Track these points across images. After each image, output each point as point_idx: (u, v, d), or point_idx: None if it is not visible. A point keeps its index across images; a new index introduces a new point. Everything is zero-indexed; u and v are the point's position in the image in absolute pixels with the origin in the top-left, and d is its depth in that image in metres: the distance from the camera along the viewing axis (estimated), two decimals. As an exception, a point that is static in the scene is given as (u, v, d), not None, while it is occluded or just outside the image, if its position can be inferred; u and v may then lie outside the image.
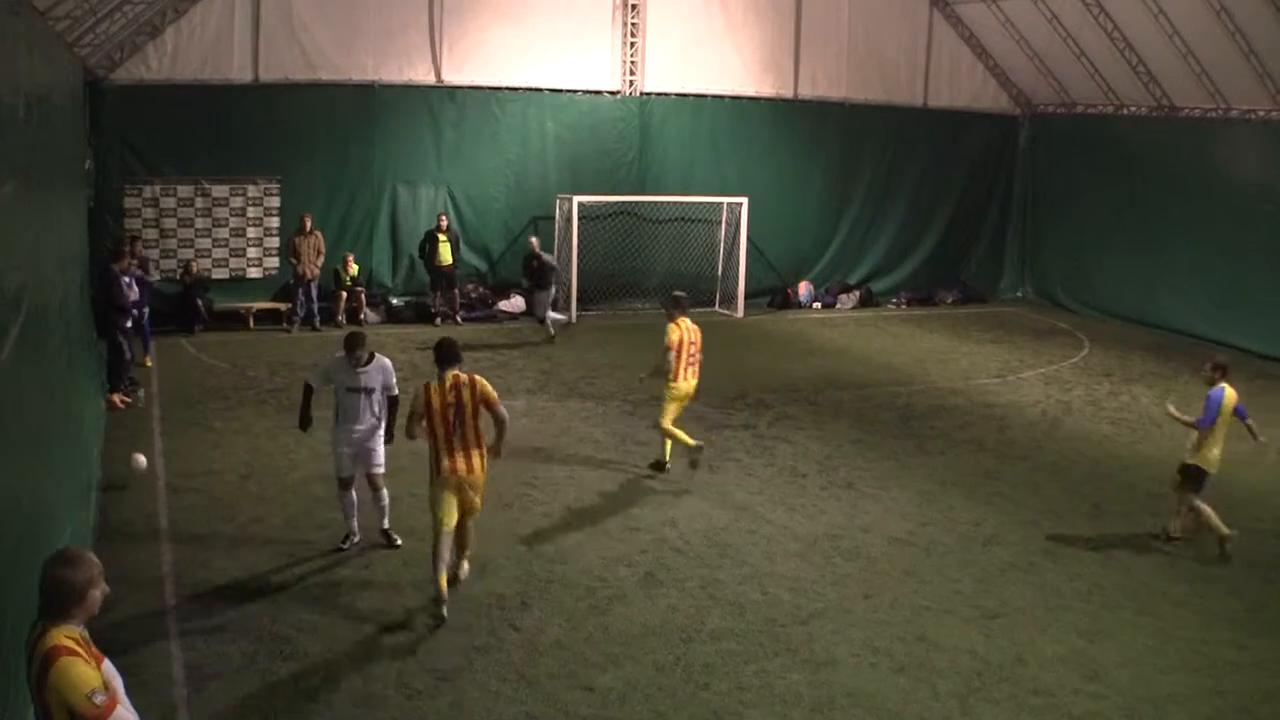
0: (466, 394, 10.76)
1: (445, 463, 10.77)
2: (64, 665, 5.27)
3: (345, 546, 12.37)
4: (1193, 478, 13.29)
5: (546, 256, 24.28)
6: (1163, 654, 10.51)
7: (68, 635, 5.38)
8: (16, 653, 5.95)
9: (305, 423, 12.62)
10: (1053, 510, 14.43)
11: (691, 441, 14.89)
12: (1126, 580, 12.27)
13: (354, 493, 12.38)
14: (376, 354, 12.40)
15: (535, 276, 24.18)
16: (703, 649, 10.29)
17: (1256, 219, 24.85)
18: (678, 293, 15.48)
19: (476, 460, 10.85)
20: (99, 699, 5.25)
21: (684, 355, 14.64)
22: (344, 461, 12.26)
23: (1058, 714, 9.36)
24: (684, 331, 14.85)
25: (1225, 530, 13.03)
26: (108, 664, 5.55)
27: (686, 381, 14.86)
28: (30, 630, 5.49)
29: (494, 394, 10.90)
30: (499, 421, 10.93)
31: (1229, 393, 13.27)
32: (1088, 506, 14.59)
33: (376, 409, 12.22)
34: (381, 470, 12.42)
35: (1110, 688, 9.79)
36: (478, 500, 11.10)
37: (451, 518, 10.84)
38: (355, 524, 12.50)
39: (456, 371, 10.90)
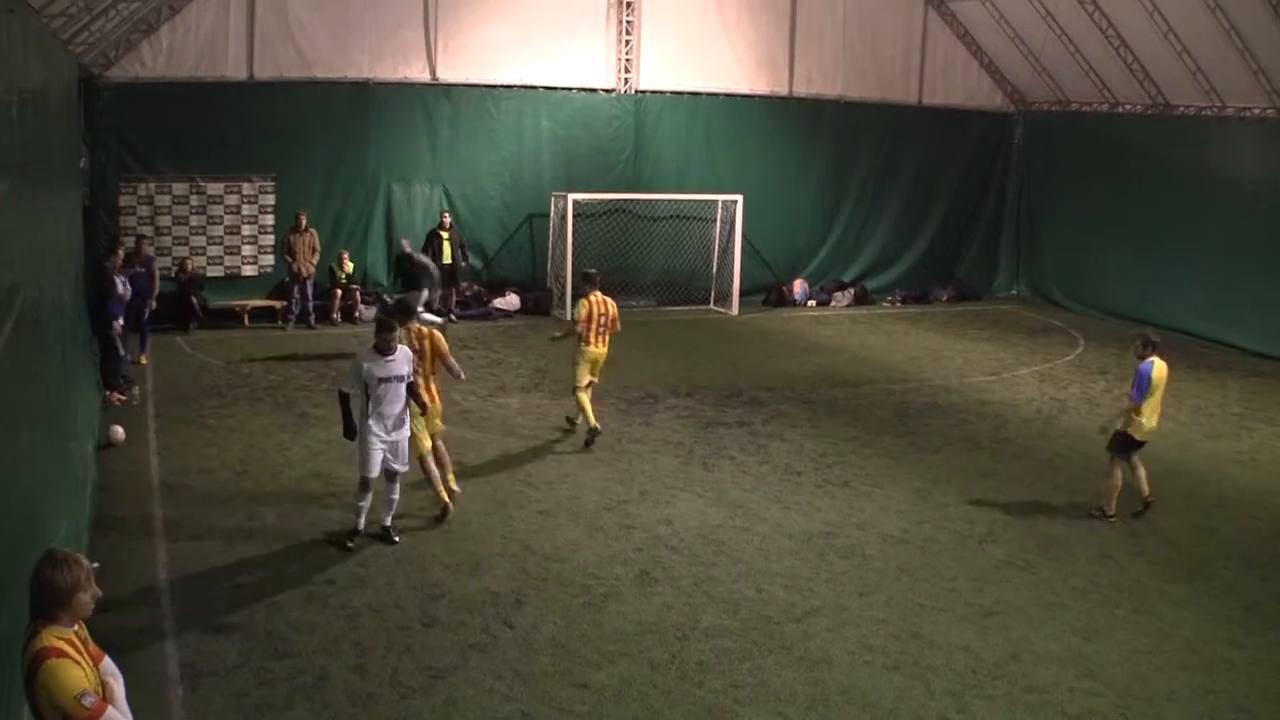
0: (428, 344, 13.16)
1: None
2: (52, 667, 5.25)
3: (351, 546, 12.31)
4: (1123, 445, 13.96)
5: (419, 257, 23.94)
6: (1158, 652, 10.52)
7: (58, 636, 5.36)
8: (11, 650, 5.95)
9: (351, 431, 12.32)
10: (1048, 508, 14.44)
11: (594, 422, 16.46)
12: (1122, 578, 12.28)
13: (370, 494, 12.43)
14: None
15: (407, 279, 23.60)
16: (697, 646, 10.29)
17: (1252, 217, 24.89)
18: (589, 270, 17.33)
19: (435, 393, 13.29)
20: (88, 700, 5.23)
21: (594, 325, 16.37)
22: (374, 459, 12.19)
23: (1052, 712, 9.36)
24: (593, 305, 16.45)
25: (1147, 492, 14.00)
26: (108, 661, 5.53)
27: (596, 347, 16.50)
28: (26, 629, 5.48)
29: (445, 347, 13.38)
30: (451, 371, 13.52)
31: (1159, 366, 14.00)
32: (1083, 503, 14.59)
33: (403, 397, 12.27)
34: (406, 468, 12.55)
35: (1106, 685, 9.79)
36: (439, 422, 13.36)
37: (426, 442, 13.04)
38: (363, 522, 12.49)
39: (416, 325, 13.32)
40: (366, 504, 12.42)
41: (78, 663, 5.35)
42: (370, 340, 12.32)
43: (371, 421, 12.12)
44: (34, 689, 5.26)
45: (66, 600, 5.41)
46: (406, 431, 12.43)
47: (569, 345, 16.97)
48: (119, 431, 15.81)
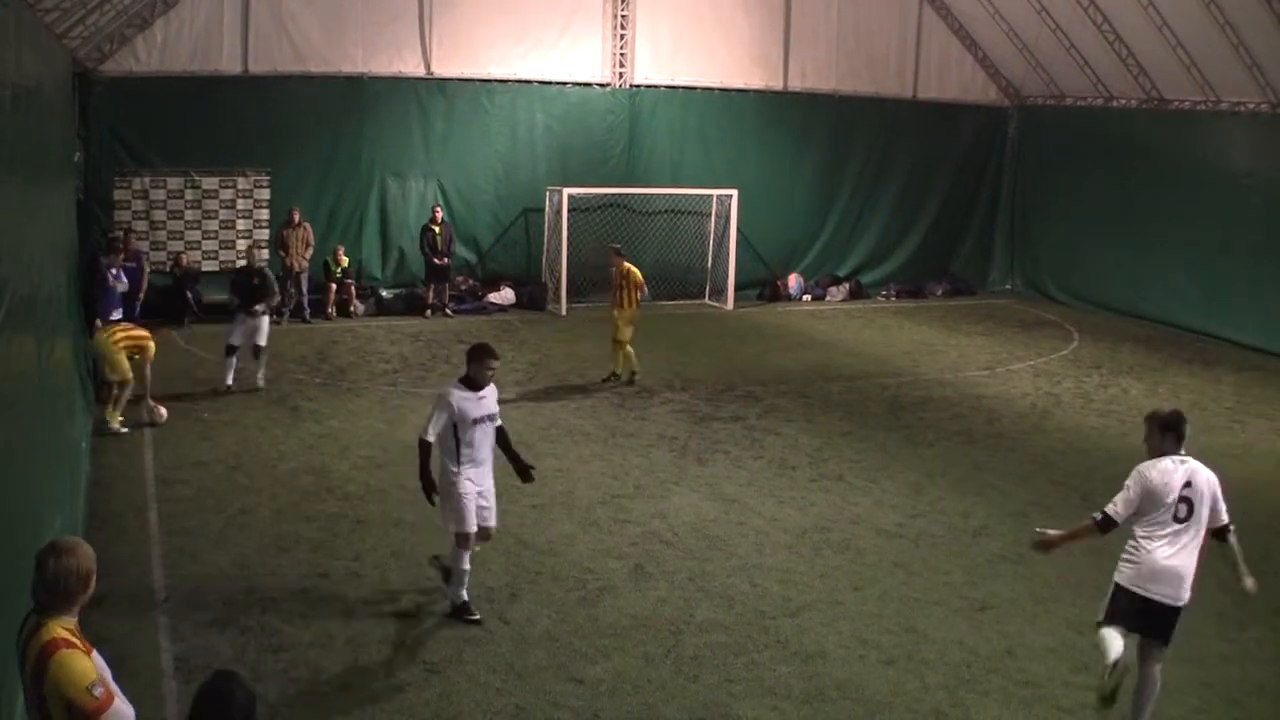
0: None
1: None
2: (63, 658, 5.23)
3: (478, 618, 10.57)
4: None
5: (270, 272, 19.95)
6: (1151, 645, 10.51)
7: (64, 627, 5.35)
8: (7, 647, 5.94)
9: (431, 488, 10.52)
10: (1042, 502, 14.46)
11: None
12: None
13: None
14: None
15: (252, 294, 18.70)
16: (692, 641, 10.30)
17: (1246, 211, 24.92)
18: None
19: None
20: (98, 691, 5.23)
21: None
22: (471, 509, 10.46)
23: (1047, 705, 9.38)
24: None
25: None
26: (96, 655, 5.53)
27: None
28: (22, 624, 5.46)
29: None
30: None
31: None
32: (1077, 498, 14.60)
33: (493, 440, 10.69)
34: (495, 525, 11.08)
35: (1099, 679, 9.78)
36: None
37: None
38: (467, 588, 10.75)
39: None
40: (469, 565, 10.67)
41: (85, 654, 5.34)
42: (459, 373, 10.85)
43: (466, 467, 10.42)
44: (43, 681, 5.23)
45: (86, 584, 5.42)
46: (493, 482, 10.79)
47: (564, 337, 16.96)
48: (162, 412, 16.55)
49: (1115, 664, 8.45)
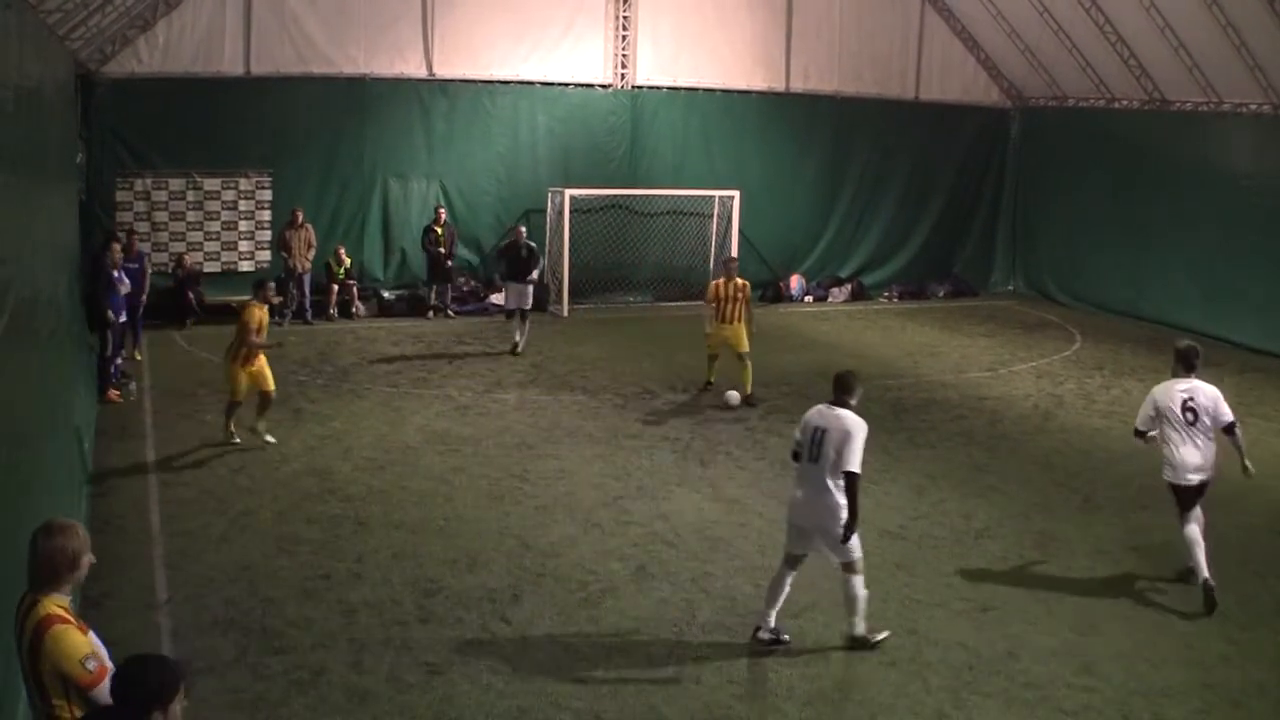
0: None
1: None
2: (58, 633, 5.39)
3: (784, 640, 10.33)
4: None
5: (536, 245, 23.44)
6: (1154, 647, 10.51)
7: (58, 604, 5.51)
8: (8, 640, 5.96)
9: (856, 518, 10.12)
10: (1044, 503, 14.45)
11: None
12: (1118, 573, 12.29)
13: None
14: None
15: (520, 266, 22.43)
16: (694, 642, 10.29)
17: (1248, 212, 24.87)
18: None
19: None
20: (91, 665, 5.37)
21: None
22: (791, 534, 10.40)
23: (1049, 707, 9.37)
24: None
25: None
26: (93, 636, 5.60)
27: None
28: (19, 603, 5.58)
29: None
30: None
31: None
32: (1079, 500, 14.61)
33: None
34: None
35: (1103, 681, 9.79)
36: None
37: None
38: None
39: None
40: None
41: (80, 631, 5.49)
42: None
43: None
44: (38, 657, 5.37)
45: (74, 563, 5.59)
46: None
47: (565, 339, 16.94)
48: (734, 396, 18.27)
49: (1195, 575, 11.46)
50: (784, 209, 29.31)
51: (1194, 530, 11.50)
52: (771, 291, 29.31)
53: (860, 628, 10.27)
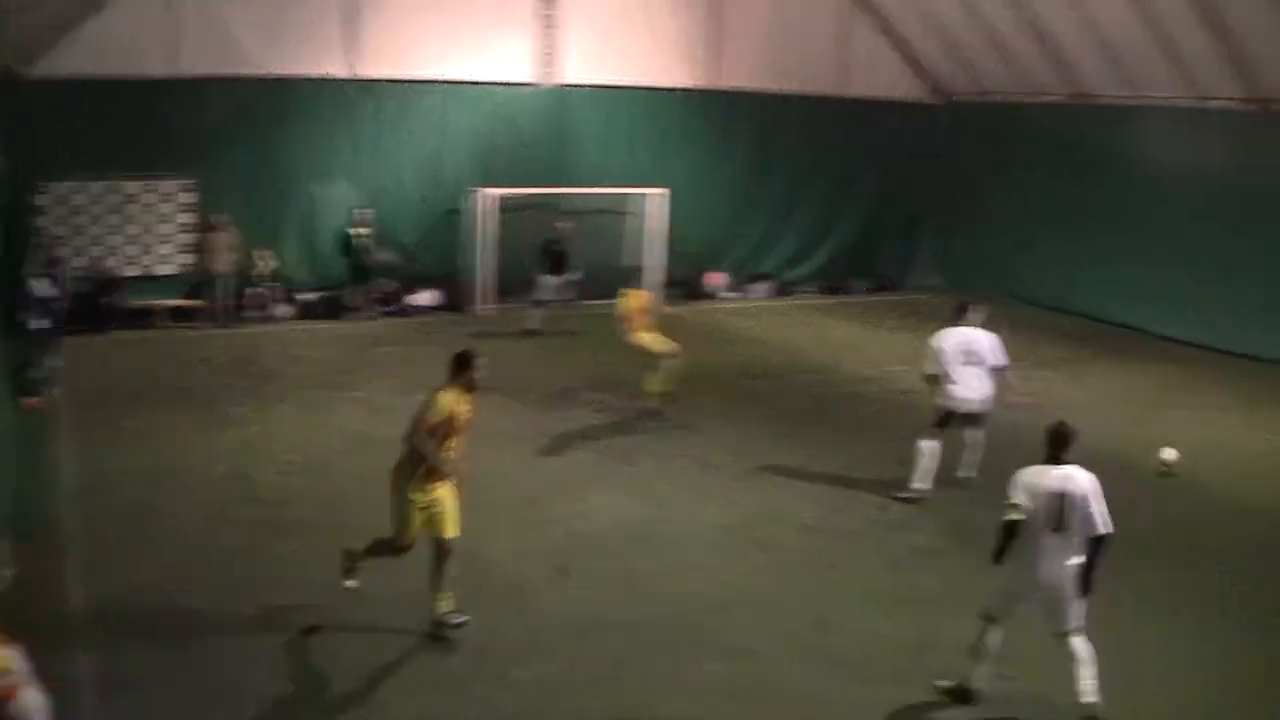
0: None
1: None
2: None
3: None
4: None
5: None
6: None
7: None
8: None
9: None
10: (963, 495, 14.65)
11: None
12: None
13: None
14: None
15: (559, 261, 25.11)
16: (617, 641, 10.37)
17: (1171, 205, 25.40)
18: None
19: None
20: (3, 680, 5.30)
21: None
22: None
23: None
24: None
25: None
26: (13, 650, 5.56)
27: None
28: None
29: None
30: None
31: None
32: (998, 492, 14.79)
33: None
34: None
35: (1019, 670, 9.95)
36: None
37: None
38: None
39: None
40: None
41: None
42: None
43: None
44: None
45: None
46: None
47: (483, 338, 16.93)
48: (1170, 453, 16.19)
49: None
50: (707, 205, 29.32)
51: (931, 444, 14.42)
52: (693, 288, 29.34)
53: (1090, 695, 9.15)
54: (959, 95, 31.38)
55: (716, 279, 29.73)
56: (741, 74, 29.51)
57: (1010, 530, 9.25)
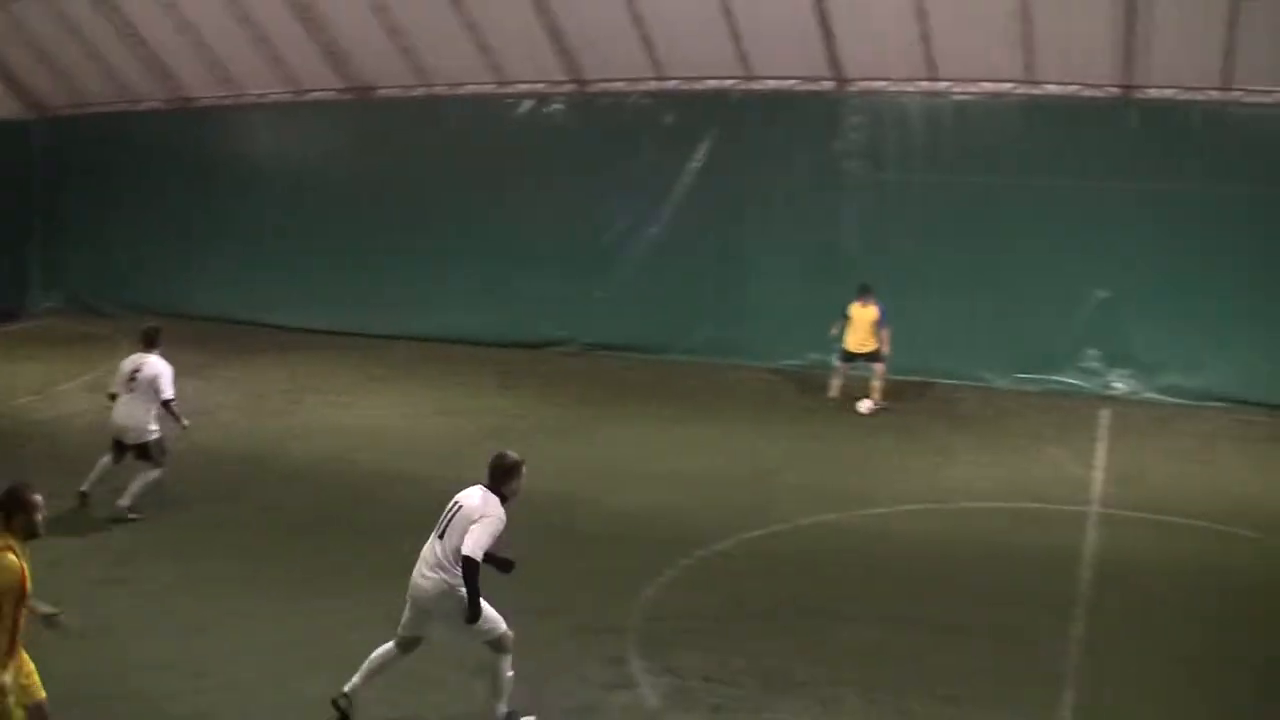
0: None
1: None
2: None
3: None
4: None
5: None
6: (270, 635, 10.83)
7: None
8: None
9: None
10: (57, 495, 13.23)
11: None
12: (200, 569, 12.68)
13: None
14: None
15: None
16: None
17: (283, 199, 26.80)
18: None
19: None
20: None
21: None
22: None
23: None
24: None
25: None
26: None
27: None
28: None
29: None
30: None
31: None
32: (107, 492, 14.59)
33: None
34: None
35: (217, 682, 9.91)
36: None
37: None
38: None
39: None
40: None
41: None
42: None
43: None
44: None
45: None
46: None
47: None
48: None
49: None
50: None
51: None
52: None
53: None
54: (60, 110, 29.81)
55: None
56: None
57: None
